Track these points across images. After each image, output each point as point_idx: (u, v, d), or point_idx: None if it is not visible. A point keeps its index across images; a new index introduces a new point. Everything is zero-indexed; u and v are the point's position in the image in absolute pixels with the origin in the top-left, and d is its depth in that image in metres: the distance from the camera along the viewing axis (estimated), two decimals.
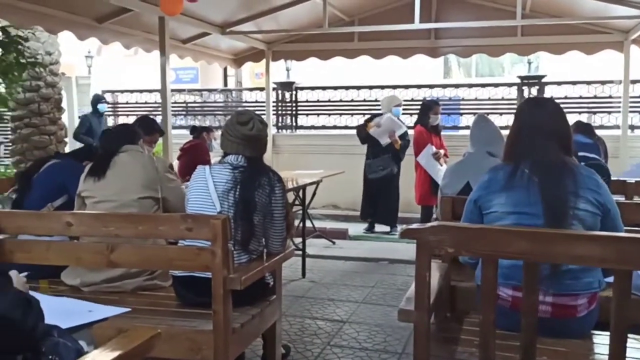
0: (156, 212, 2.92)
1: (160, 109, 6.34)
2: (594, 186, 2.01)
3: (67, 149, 7.40)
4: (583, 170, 2.06)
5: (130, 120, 7.82)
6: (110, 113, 10.40)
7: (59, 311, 1.76)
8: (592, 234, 1.86)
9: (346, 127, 8.78)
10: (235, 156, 2.73)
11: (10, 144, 7.78)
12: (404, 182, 6.74)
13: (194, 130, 6.36)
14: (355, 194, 7.13)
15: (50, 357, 1.52)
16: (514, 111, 2.43)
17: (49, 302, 1.57)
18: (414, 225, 1.75)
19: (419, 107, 6.76)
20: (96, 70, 12.06)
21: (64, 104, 8.19)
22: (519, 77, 8.47)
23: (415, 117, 7.02)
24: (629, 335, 1.90)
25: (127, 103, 10.36)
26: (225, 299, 2.30)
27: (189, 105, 10.26)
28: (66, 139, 8.14)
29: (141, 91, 10.21)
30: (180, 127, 9.43)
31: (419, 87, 8.72)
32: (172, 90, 8.52)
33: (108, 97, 10.50)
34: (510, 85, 8.44)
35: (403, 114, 7.30)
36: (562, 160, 2.05)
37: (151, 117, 4.93)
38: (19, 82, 5.89)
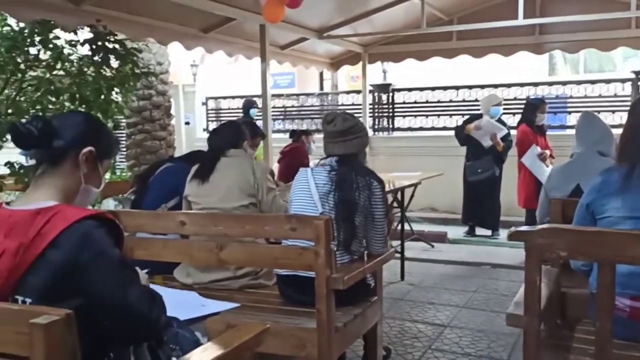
0: None
1: (260, 113, 6.56)
2: None
3: (176, 153, 7.82)
4: None
5: None
6: (213, 119, 10.90)
7: (177, 303, 1.88)
8: None
9: (444, 129, 8.62)
10: (330, 158, 2.78)
11: (125, 149, 8.35)
12: (506, 185, 6.51)
13: (293, 133, 6.52)
14: (455, 196, 6.98)
15: (171, 346, 1.64)
16: (628, 109, 2.28)
17: (167, 294, 1.69)
18: (523, 228, 1.70)
19: (521, 106, 6.50)
20: (200, 78, 12.68)
21: (172, 111, 8.69)
22: (634, 72, 7.90)
23: (517, 117, 6.76)
24: None
25: (229, 109, 10.80)
26: (329, 298, 2.34)
27: (287, 109, 10.52)
28: (175, 144, 8.61)
29: (242, 97, 10.59)
30: (279, 131, 9.69)
31: (521, 85, 8.39)
32: (271, 95, 8.79)
33: (211, 103, 11.02)
34: (623, 80, 7.90)
35: (505, 113, 7.05)
36: None
37: (252, 121, 5.12)
38: (134, 91, 6.32)
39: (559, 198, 2.64)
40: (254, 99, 7.69)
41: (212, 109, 11.04)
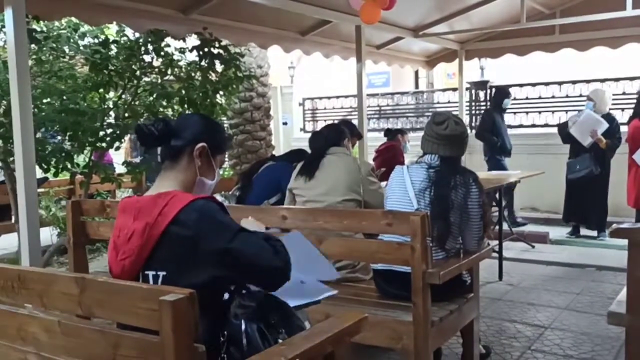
0: None
1: (355, 113, 6.66)
2: None
3: (274, 153, 8.10)
4: None
5: None
6: (310, 118, 11.17)
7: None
8: None
9: (546, 125, 8.30)
10: (431, 155, 2.82)
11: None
12: (614, 184, 6.17)
13: (388, 132, 6.57)
14: (557, 195, 6.70)
15: (279, 329, 1.77)
16: None
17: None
18: (626, 224, 1.67)
19: (632, 101, 6.14)
20: (297, 80, 13.02)
21: (271, 112, 9.01)
22: None
23: (628, 112, 6.39)
24: None
25: (325, 109, 11.02)
26: (425, 293, 2.40)
27: (382, 108, 10.56)
28: (273, 143, 8.92)
29: (338, 97, 10.78)
30: (374, 130, 9.75)
31: (631, 79, 7.89)
32: (366, 95, 8.88)
33: (308, 103, 11.29)
34: None
35: (613, 109, 6.71)
36: None
37: (349, 121, 5.24)
38: (236, 94, 6.65)
39: None
40: (509, 88, 7.57)
41: (308, 109, 11.31)
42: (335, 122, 4.85)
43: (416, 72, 14.09)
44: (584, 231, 6.46)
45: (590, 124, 5.99)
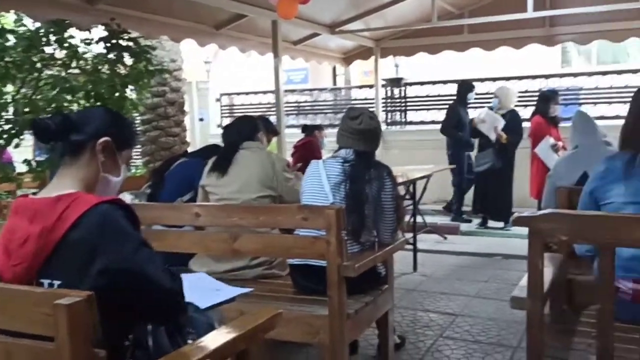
0: None
1: (273, 109, 6.63)
2: None
3: (190, 149, 7.91)
4: None
5: None
6: (227, 114, 11.00)
7: (191, 287, 1.96)
8: None
9: None
10: (346, 150, 2.84)
11: (140, 146, 8.47)
12: (519, 177, 6.52)
13: (305, 128, 6.58)
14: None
15: (188, 329, 1.71)
16: None
17: (182, 278, 1.79)
18: (526, 213, 1.75)
19: (534, 98, 6.51)
20: (213, 75, 12.79)
21: (186, 107, 8.79)
22: None
23: (529, 109, 6.77)
24: None
25: (242, 105, 10.89)
26: (340, 286, 2.41)
27: (300, 104, 10.58)
28: (188, 140, 8.71)
29: (256, 93, 10.70)
30: (292, 126, 9.76)
31: (533, 77, 8.37)
32: (285, 91, 8.86)
33: (225, 99, 11.11)
34: (635, 71, 7.86)
35: (517, 105, 7.09)
36: None
37: (266, 117, 5.19)
38: (148, 88, 6.42)
39: (565, 187, 2.68)
40: (472, 82, 7.30)
41: (225, 105, 11.14)
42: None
43: (334, 69, 14.28)
44: (493, 223, 6.78)
45: (491, 121, 6.32)
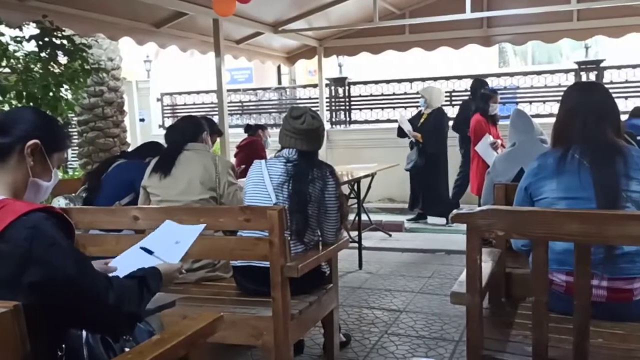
0: None
1: (217, 109, 6.53)
2: None
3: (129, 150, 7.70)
4: (634, 151, 2.02)
5: None
6: (169, 115, 10.78)
7: (154, 245, 1.96)
8: None
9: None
10: (288, 150, 2.83)
11: (77, 147, 8.19)
12: (453, 174, 6.71)
13: (248, 128, 6.52)
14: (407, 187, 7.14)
15: (124, 337, 1.65)
16: None
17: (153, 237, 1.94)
18: (464, 210, 1.78)
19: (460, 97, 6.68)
20: (155, 74, 12.50)
21: (125, 107, 8.55)
22: (576, 62, 8.22)
23: (456, 108, 6.96)
24: None
25: (184, 104, 10.69)
26: (283, 287, 2.39)
27: (244, 104, 10.49)
28: (128, 141, 8.48)
29: (198, 92, 10.52)
30: (237, 126, 9.66)
31: (472, 77, 8.58)
32: (228, 90, 8.75)
33: (166, 99, 10.88)
34: (567, 71, 8.19)
35: (454, 104, 7.30)
36: (612, 142, 2.03)
37: (210, 118, 5.10)
38: (84, 88, 6.20)
39: (502, 183, 2.75)
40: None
41: (167, 105, 10.91)
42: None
43: (279, 69, 14.21)
44: (435, 219, 6.92)
45: (401, 122, 6.66)
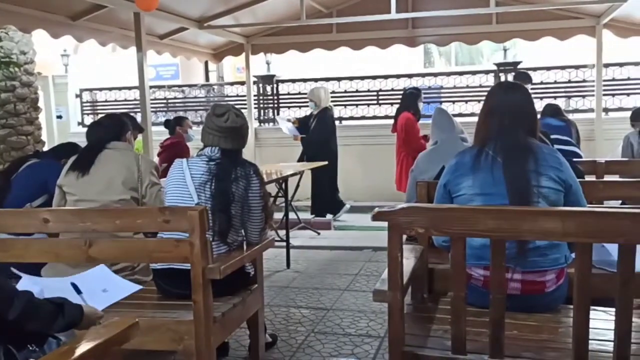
0: None
1: (140, 106, 6.31)
2: (555, 163, 2.07)
3: (45, 149, 7.32)
4: (545, 149, 2.11)
5: None
6: (89, 111, 10.34)
7: (84, 286, 2.03)
8: (554, 209, 1.92)
9: (341, 118, 8.80)
10: (211, 148, 2.76)
11: None
12: (383, 171, 6.79)
13: (167, 123, 6.35)
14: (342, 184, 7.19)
15: (29, 346, 1.55)
16: None
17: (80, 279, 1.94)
18: (386, 208, 1.79)
19: (398, 96, 6.81)
20: (73, 69, 11.94)
21: (40, 104, 8.12)
22: (495, 64, 8.55)
23: (395, 107, 7.07)
24: (598, 307, 1.97)
25: (106, 101, 10.28)
26: (205, 289, 2.33)
27: (170, 101, 10.21)
28: (44, 139, 8.06)
29: (120, 88, 10.14)
30: (162, 123, 9.38)
31: (397, 76, 8.75)
32: (152, 87, 8.48)
33: (86, 95, 10.42)
34: (487, 72, 8.50)
35: (384, 103, 7.44)
36: (525, 141, 2.11)
37: (130, 114, 4.92)
38: None
39: (425, 181, 2.81)
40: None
41: (87, 102, 10.43)
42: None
43: (206, 65, 13.95)
44: (362, 217, 6.99)
45: (282, 124, 6.91)
